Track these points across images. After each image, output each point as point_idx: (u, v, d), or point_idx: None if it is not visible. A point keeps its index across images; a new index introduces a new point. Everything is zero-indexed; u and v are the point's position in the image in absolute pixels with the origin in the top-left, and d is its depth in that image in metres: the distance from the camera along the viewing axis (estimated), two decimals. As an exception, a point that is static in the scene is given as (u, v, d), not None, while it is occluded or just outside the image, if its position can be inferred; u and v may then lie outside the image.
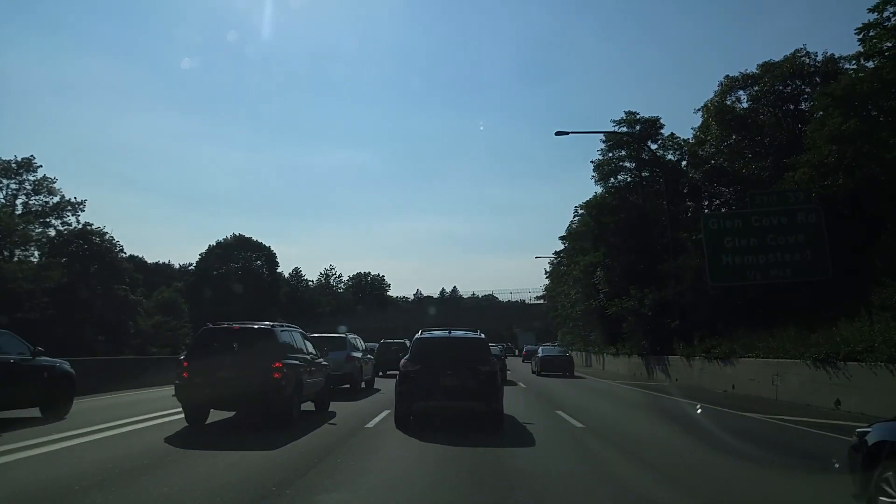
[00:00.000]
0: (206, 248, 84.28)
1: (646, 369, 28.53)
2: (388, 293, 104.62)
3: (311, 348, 13.15)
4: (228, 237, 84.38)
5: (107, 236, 52.20)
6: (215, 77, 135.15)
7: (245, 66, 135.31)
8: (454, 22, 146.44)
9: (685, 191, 32.11)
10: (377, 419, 12.06)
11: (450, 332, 12.10)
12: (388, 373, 28.04)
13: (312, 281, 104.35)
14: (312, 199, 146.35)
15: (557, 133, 28.75)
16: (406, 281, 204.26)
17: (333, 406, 13.92)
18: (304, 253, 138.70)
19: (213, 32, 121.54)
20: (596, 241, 36.50)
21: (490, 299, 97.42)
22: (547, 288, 78.16)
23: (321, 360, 13.60)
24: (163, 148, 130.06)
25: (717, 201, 32.17)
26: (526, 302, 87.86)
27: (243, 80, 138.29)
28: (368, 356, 21.58)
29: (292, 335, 12.30)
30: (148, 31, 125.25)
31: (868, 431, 5.00)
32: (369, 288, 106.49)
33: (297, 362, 11.42)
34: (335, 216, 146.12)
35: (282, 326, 12.01)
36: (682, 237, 29.53)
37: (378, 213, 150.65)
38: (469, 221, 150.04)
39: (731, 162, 30.64)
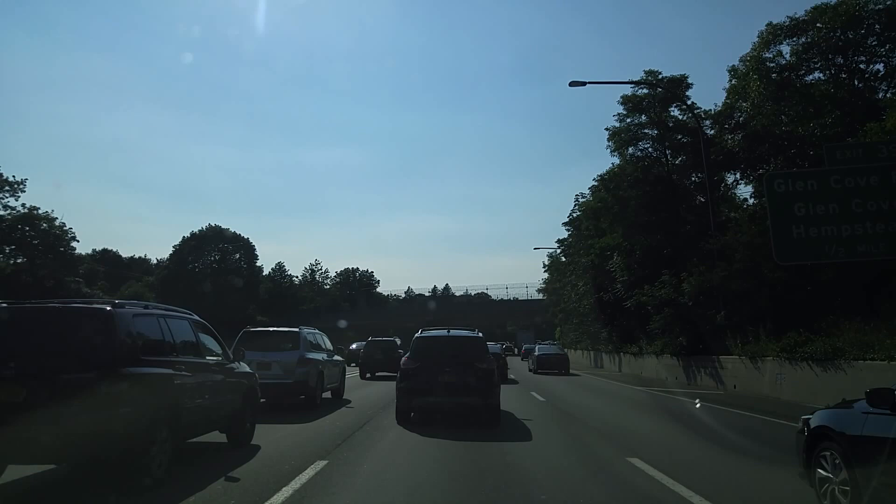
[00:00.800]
0: (181, 239, 78.93)
1: (684, 372, 23.08)
2: (379, 290, 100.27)
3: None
4: (204, 228, 79.32)
5: (57, 222, 45.93)
6: (208, 74, 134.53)
7: (238, 64, 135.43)
8: (447, 20, 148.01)
9: (719, 158, 26.19)
10: (304, 474, 7.10)
11: (449, 331, 12.55)
12: (378, 374, 26.09)
13: (297, 277, 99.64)
14: (304, 198, 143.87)
15: (572, 83, 24.15)
16: (397, 279, 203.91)
17: (265, 429, 10.09)
18: (296, 252, 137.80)
19: (206, 29, 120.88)
20: (614, 219, 30.72)
21: (483, 297, 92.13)
22: (546, 282, 73.30)
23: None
24: (154, 145, 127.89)
25: (760, 170, 26.28)
26: (519, 299, 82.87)
27: (236, 77, 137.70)
28: (337, 358, 17.00)
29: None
30: (140, 27, 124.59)
31: (810, 418, 5.74)
32: (358, 284, 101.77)
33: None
34: (327, 214, 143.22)
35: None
36: (724, 214, 24.73)
37: (370, 212, 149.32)
38: (461, 219, 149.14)
39: (776, 124, 24.68)
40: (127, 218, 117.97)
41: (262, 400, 10.44)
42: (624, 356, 32.77)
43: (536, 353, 34.26)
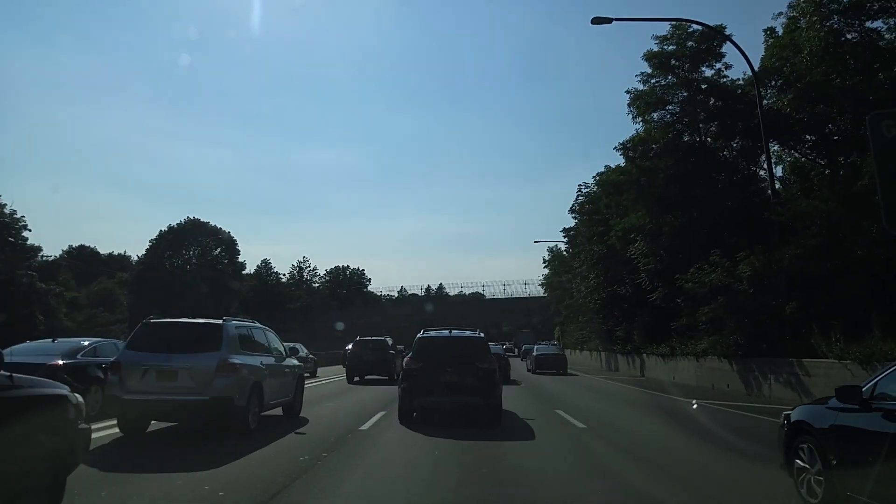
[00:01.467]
0: (157, 233, 73.68)
1: (741, 378, 18.19)
2: (371, 290, 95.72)
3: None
4: (182, 221, 74.43)
5: (6, 208, 40.97)
6: (200, 74, 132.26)
7: (231, 64, 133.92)
8: (442, 19, 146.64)
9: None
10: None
11: (451, 332, 12.85)
12: (368, 379, 23.54)
13: (284, 275, 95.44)
14: (297, 198, 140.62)
15: (595, 20, 20.46)
16: (390, 279, 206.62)
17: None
18: (288, 253, 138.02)
19: (198, 29, 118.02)
20: (639, 194, 26.27)
21: (478, 296, 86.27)
22: (546, 278, 69.51)
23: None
24: (146, 145, 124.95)
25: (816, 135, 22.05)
26: (515, 297, 77.83)
27: (229, 77, 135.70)
28: (291, 363, 12.74)
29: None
30: (131, 26, 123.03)
31: (790, 413, 6.33)
32: (347, 282, 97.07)
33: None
34: (320, 215, 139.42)
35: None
36: (768, 187, 20.24)
37: (363, 212, 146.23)
38: (456, 220, 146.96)
39: (837, 78, 20.01)
40: (115, 217, 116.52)
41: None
42: (648, 357, 28.17)
43: (535, 354, 34.64)
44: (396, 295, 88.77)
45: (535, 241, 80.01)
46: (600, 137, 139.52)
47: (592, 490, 6.75)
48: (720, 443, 9.61)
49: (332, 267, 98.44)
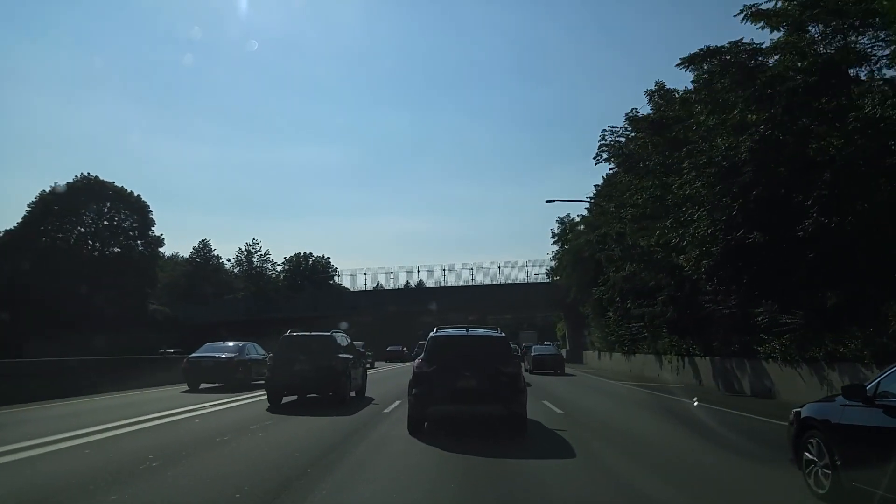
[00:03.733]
0: (37, 196, 59.43)
1: None
2: (339, 281, 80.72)
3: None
4: (72, 179, 60.10)
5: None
6: (177, 70, 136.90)
7: (210, 59, 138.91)
8: (424, 18, 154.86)
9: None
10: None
11: (468, 331, 12.79)
12: (309, 399, 17.02)
13: (230, 260, 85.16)
14: (277, 197, 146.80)
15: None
16: (370, 280, 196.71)
17: None
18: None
19: (176, 24, 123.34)
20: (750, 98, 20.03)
21: (460, 289, 68.99)
22: (557, 258, 58.16)
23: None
24: (122, 141, 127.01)
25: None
26: (507, 283, 64.75)
27: (208, 73, 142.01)
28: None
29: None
30: (107, 19, 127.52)
31: (800, 411, 7.21)
32: (309, 272, 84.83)
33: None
34: (299, 214, 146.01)
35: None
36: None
37: (343, 211, 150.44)
38: (437, 220, 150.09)
39: None
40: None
41: None
42: (776, 367, 19.98)
43: (533, 354, 38.29)
44: (371, 289, 71.49)
45: (548, 201, 65.49)
46: (583, 138, 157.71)
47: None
48: None
49: (293, 254, 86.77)
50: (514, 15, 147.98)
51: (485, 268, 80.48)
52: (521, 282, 63.84)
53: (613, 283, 35.37)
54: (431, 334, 12.25)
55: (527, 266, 63.86)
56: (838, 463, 6.28)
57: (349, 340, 18.77)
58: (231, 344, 22.71)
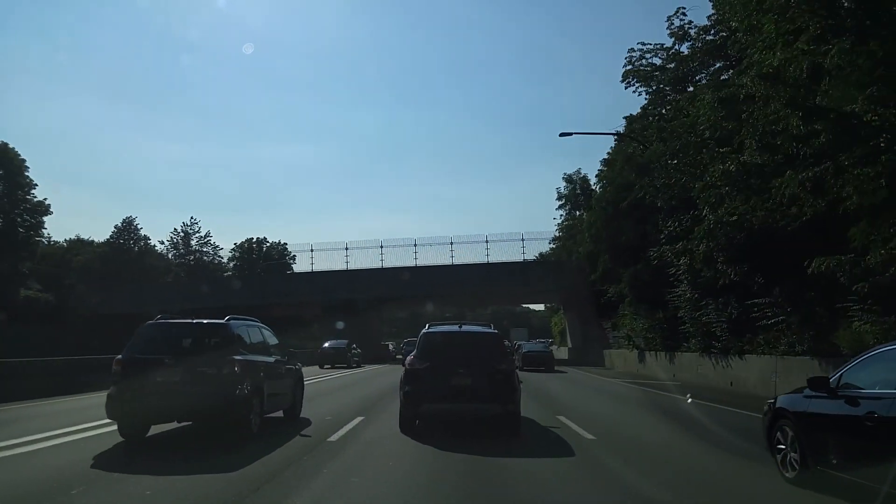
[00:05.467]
0: None
1: None
2: (297, 269, 72.06)
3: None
4: None
5: None
6: (149, 65, 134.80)
7: (183, 54, 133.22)
8: (404, 14, 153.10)
9: None
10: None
11: (461, 327, 12.90)
12: (184, 428, 11.70)
13: (163, 243, 73.49)
14: (254, 196, 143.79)
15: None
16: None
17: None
18: None
19: (145, 16, 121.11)
20: None
21: (439, 269, 53.58)
22: (562, 227, 46.87)
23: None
24: (93, 138, 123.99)
25: None
26: (495, 262, 50.24)
27: (180, 68, 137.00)
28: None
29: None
30: (77, 10, 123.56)
31: (774, 401, 7.98)
32: (262, 260, 75.11)
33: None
34: (278, 213, 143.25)
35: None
36: None
37: (323, 210, 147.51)
38: (418, 219, 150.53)
39: None
40: (65, 211, 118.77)
41: None
42: None
43: (523, 351, 38.01)
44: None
45: (562, 135, 41.78)
46: (554, 138, 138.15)
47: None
48: None
49: (244, 239, 76.20)
50: (497, 13, 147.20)
51: (468, 242, 52.91)
52: (500, 260, 49.44)
53: (707, 229, 20.71)
54: (423, 331, 12.15)
55: (521, 239, 48.85)
56: (806, 449, 6.99)
57: (269, 332, 12.37)
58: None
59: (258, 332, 11.84)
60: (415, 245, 50.28)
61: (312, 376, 24.48)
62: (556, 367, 35.96)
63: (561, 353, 55.80)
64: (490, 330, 12.55)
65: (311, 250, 53.08)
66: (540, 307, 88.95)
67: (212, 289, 53.44)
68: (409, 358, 11.70)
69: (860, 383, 6.63)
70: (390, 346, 51.68)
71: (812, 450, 6.92)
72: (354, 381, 25.39)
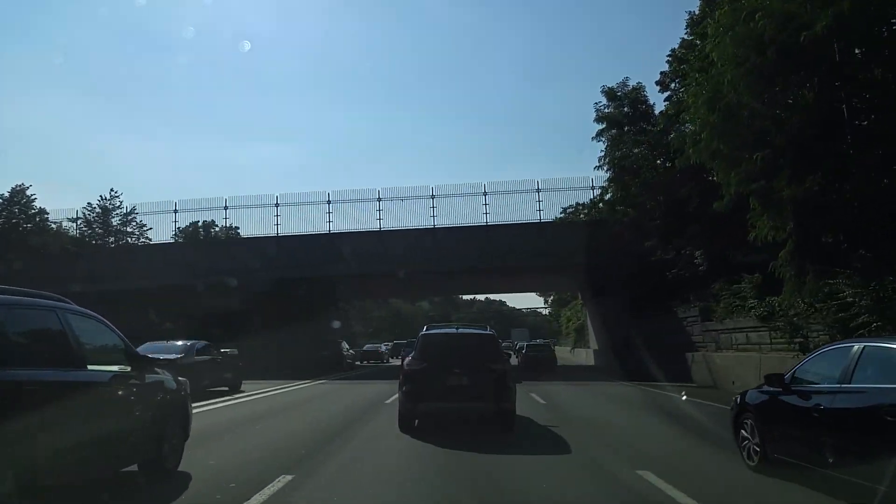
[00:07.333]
0: None
1: None
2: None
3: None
4: None
5: None
6: (128, 63, 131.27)
7: (162, 52, 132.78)
8: (384, 12, 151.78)
9: None
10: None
11: (457, 329, 13.87)
12: None
13: (72, 220, 50.24)
14: (234, 194, 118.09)
15: None
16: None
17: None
18: None
19: (123, 12, 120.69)
20: None
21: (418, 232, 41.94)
22: (609, 160, 30.49)
23: None
24: (71, 137, 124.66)
25: None
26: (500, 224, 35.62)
27: (160, 67, 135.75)
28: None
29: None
30: (54, 8, 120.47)
31: (739, 397, 8.77)
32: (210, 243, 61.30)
33: None
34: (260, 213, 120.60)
35: None
36: None
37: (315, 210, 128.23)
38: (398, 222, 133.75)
39: None
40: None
41: None
42: None
43: (524, 352, 38.57)
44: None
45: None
46: (540, 138, 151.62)
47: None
48: None
49: (190, 223, 58.29)
50: (473, 14, 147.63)
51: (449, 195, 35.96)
52: (514, 222, 33.99)
53: None
54: (422, 332, 12.63)
55: (538, 188, 33.31)
56: (765, 439, 7.79)
57: (104, 327, 6.76)
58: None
59: (75, 320, 6.10)
60: (378, 200, 35.46)
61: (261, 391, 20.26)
62: (598, 380, 25.25)
63: (580, 356, 47.14)
64: (485, 331, 13.01)
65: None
66: (537, 303, 77.55)
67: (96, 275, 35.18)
68: (407, 359, 12.16)
69: (810, 379, 7.45)
70: (382, 348, 50.44)
71: (770, 440, 7.71)
72: (320, 394, 20.00)
